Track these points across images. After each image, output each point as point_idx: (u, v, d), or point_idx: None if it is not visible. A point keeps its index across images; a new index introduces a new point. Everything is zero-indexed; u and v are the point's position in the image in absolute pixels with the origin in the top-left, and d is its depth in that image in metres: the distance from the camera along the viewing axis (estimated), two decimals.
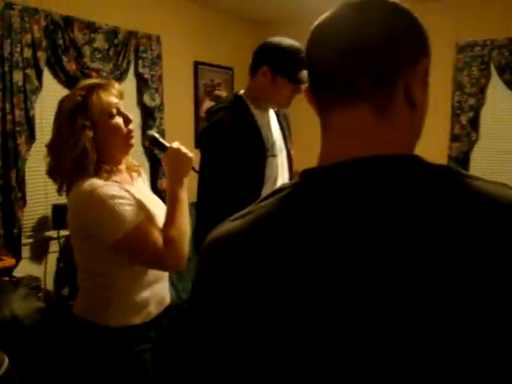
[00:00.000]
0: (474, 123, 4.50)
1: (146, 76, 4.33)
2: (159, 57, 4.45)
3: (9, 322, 2.08)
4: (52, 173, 1.69)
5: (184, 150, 1.71)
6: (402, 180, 0.66)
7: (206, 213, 1.96)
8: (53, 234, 3.65)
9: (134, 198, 1.63)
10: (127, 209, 1.57)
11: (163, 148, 1.75)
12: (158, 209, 1.75)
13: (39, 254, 3.65)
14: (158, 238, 1.60)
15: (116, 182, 1.65)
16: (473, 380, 0.60)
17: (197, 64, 4.99)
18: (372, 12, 0.72)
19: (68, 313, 1.82)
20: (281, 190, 0.74)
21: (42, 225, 3.70)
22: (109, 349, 1.65)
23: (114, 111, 1.66)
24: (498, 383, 0.60)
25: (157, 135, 1.80)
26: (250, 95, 2.08)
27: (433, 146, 4.54)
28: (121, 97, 1.72)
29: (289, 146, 2.21)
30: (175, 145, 1.72)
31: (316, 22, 0.77)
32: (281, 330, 0.64)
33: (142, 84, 4.34)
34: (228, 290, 0.69)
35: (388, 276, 0.61)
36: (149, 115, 4.37)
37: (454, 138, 4.52)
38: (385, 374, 0.60)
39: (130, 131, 1.70)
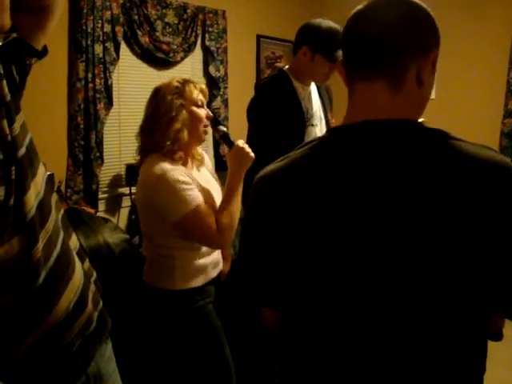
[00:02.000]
0: None
1: (212, 48, 4.49)
2: (224, 30, 4.59)
3: (102, 247, 2.47)
4: (141, 150, 1.87)
5: (247, 149, 1.85)
6: (400, 137, 0.88)
7: (253, 175, 2.20)
8: (125, 190, 3.92)
9: (197, 183, 1.81)
10: (189, 193, 1.72)
11: (230, 144, 1.90)
12: (216, 194, 1.91)
13: (113, 207, 3.92)
14: (213, 221, 1.76)
15: (183, 167, 1.82)
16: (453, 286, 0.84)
17: (259, 37, 5.09)
18: (397, 10, 0.89)
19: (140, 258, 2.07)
20: (312, 141, 0.99)
21: (116, 182, 3.95)
22: (175, 307, 1.86)
23: (200, 103, 1.87)
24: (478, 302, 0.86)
25: (226, 131, 1.95)
26: (292, 71, 2.27)
27: (485, 121, 4.46)
28: (205, 96, 1.92)
29: (329, 115, 2.40)
30: (240, 143, 1.86)
31: (352, 13, 0.95)
32: (303, 234, 0.92)
33: (208, 56, 4.50)
34: (271, 208, 0.96)
35: (387, 198, 0.85)
36: (214, 85, 4.51)
37: (508, 113, 4.37)
38: (382, 268, 0.86)
39: (206, 125, 1.88)
